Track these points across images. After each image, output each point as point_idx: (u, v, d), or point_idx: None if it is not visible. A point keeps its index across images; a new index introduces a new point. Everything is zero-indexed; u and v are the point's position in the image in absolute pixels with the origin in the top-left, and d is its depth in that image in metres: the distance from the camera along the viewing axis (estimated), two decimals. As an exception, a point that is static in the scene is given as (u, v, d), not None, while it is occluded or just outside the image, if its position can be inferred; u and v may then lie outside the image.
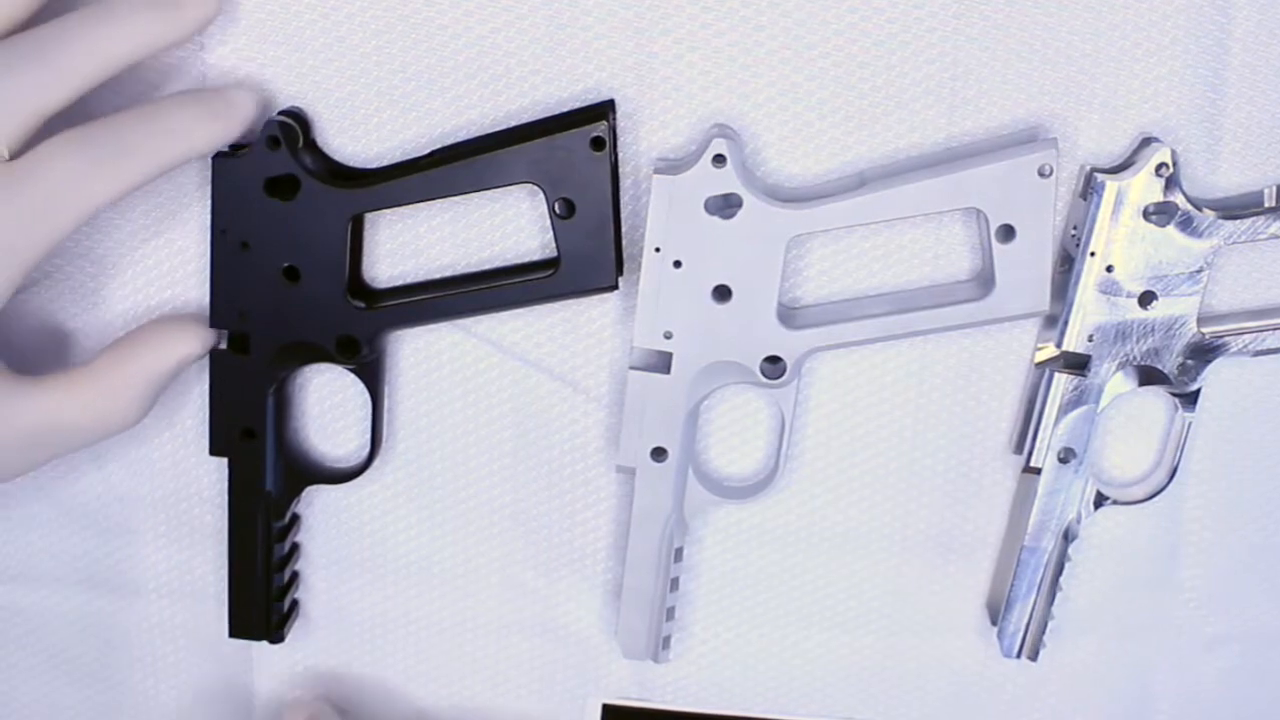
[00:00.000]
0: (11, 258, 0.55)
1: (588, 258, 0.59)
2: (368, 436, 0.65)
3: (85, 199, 0.55)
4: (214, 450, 0.65)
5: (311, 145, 0.62)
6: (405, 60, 0.60)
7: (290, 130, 0.60)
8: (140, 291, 0.65)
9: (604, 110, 0.58)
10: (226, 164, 0.60)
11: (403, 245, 0.63)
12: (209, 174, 0.60)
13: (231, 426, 0.64)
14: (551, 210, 0.59)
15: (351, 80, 0.61)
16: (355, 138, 0.62)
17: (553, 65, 0.60)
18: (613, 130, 0.58)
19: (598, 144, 0.58)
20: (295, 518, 0.68)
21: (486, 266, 0.63)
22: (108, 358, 0.61)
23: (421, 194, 0.59)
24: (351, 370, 0.63)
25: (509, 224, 0.63)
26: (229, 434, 0.64)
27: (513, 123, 0.60)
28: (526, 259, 0.63)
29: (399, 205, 0.60)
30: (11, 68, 0.54)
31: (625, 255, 0.61)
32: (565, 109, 0.60)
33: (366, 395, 0.64)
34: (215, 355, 0.63)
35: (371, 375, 0.64)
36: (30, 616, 0.72)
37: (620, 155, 0.60)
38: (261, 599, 0.67)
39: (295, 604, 0.70)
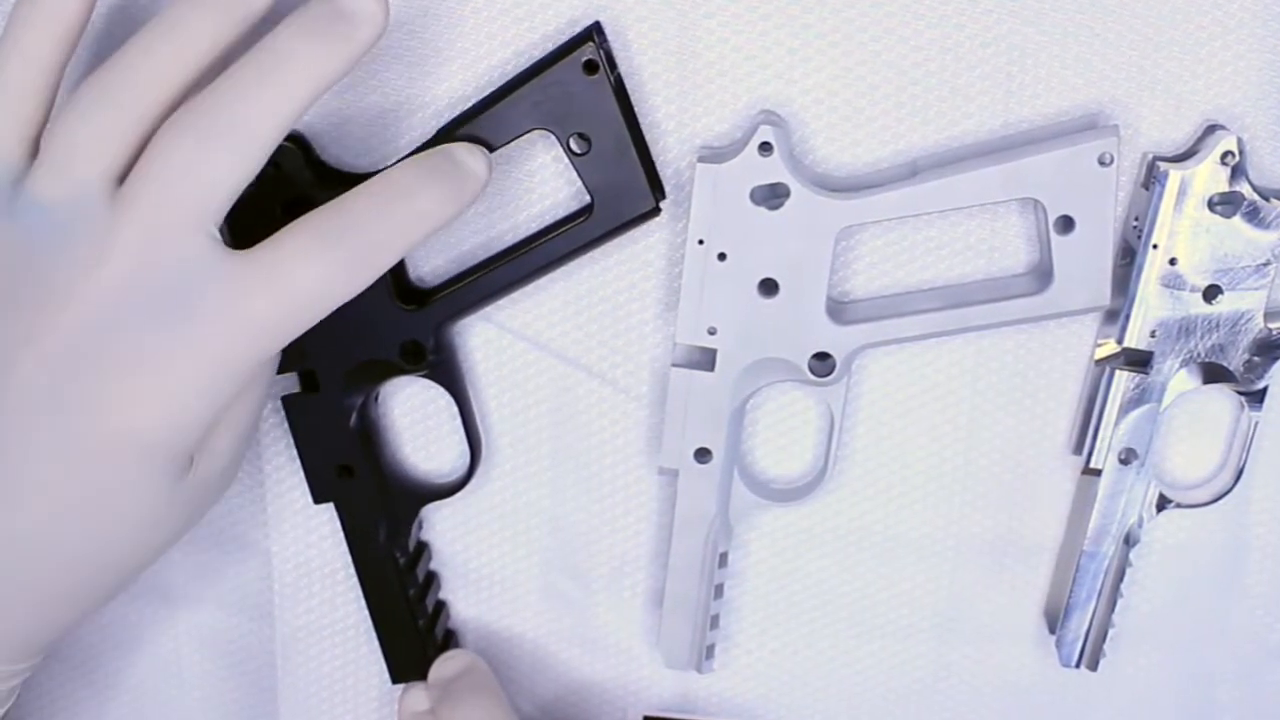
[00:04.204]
0: (251, 355, 0.52)
1: (619, 188, 0.58)
2: (464, 442, 0.65)
3: (329, 300, 0.52)
4: (317, 498, 0.65)
5: (317, 163, 0.61)
6: (433, 60, 0.60)
7: (289, 153, 0.59)
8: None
9: (589, 33, 0.57)
10: (237, 204, 0.59)
11: (440, 238, 0.63)
12: None
13: (326, 469, 0.64)
14: (568, 150, 0.58)
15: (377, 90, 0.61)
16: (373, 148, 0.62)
17: (592, 51, 0.59)
18: (604, 52, 0.57)
19: (590, 68, 0.57)
20: (422, 545, 0.68)
21: (527, 234, 0.62)
22: None
23: None
24: (426, 376, 0.63)
25: (534, 179, 0.62)
26: (326, 477, 0.64)
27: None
28: (564, 213, 0.62)
29: None
30: (205, 144, 0.50)
31: (662, 179, 0.60)
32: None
33: (450, 400, 0.64)
34: (288, 401, 0.63)
35: (448, 377, 0.63)
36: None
37: (622, 75, 0.59)
38: (412, 636, 0.67)
39: (451, 635, 0.70)
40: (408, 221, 0.52)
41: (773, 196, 0.59)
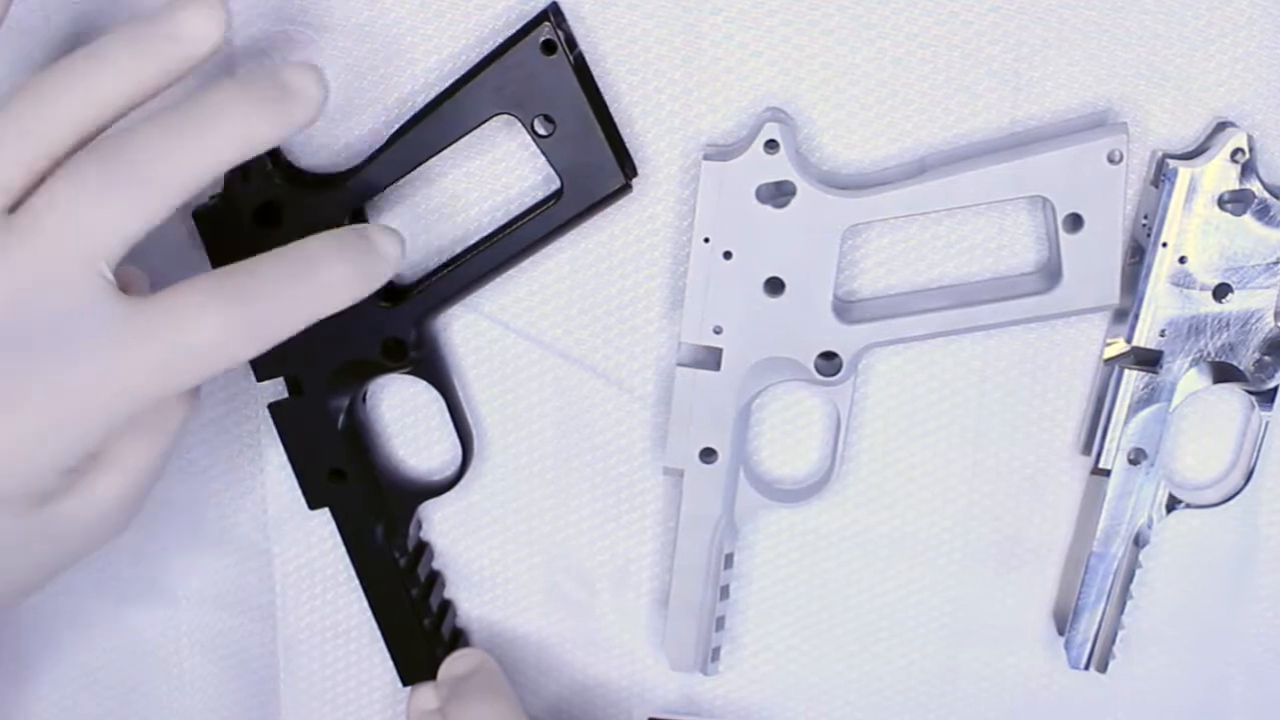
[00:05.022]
0: (124, 403, 0.50)
1: (587, 167, 0.58)
2: (454, 438, 0.65)
3: (222, 359, 0.50)
4: (312, 504, 0.65)
5: (285, 166, 0.61)
6: (395, 53, 0.60)
7: (256, 160, 0.58)
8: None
9: (545, 14, 0.57)
10: (207, 213, 0.59)
11: (415, 232, 0.63)
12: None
13: (318, 474, 0.64)
14: (533, 133, 0.58)
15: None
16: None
17: (595, 47, 0.59)
18: (562, 32, 0.57)
19: (548, 48, 0.56)
20: (423, 545, 0.68)
21: (500, 222, 0.62)
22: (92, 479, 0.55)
23: (404, 166, 0.59)
24: (411, 373, 0.63)
25: (503, 166, 0.62)
26: (318, 482, 0.64)
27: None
28: (537, 198, 0.62)
29: (387, 186, 0.59)
30: (110, 185, 0.49)
31: (635, 158, 0.60)
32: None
33: (439, 397, 0.64)
34: (274, 407, 0.63)
35: (433, 373, 0.63)
36: (52, 626, 0.72)
37: (584, 53, 0.59)
38: (418, 636, 0.67)
39: (459, 634, 0.70)
40: (312, 294, 0.51)
41: (779, 194, 0.59)
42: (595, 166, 0.58)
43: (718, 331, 0.60)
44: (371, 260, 0.53)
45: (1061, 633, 0.66)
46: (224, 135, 0.50)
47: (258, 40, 0.60)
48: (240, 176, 0.59)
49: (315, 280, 0.51)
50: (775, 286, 0.60)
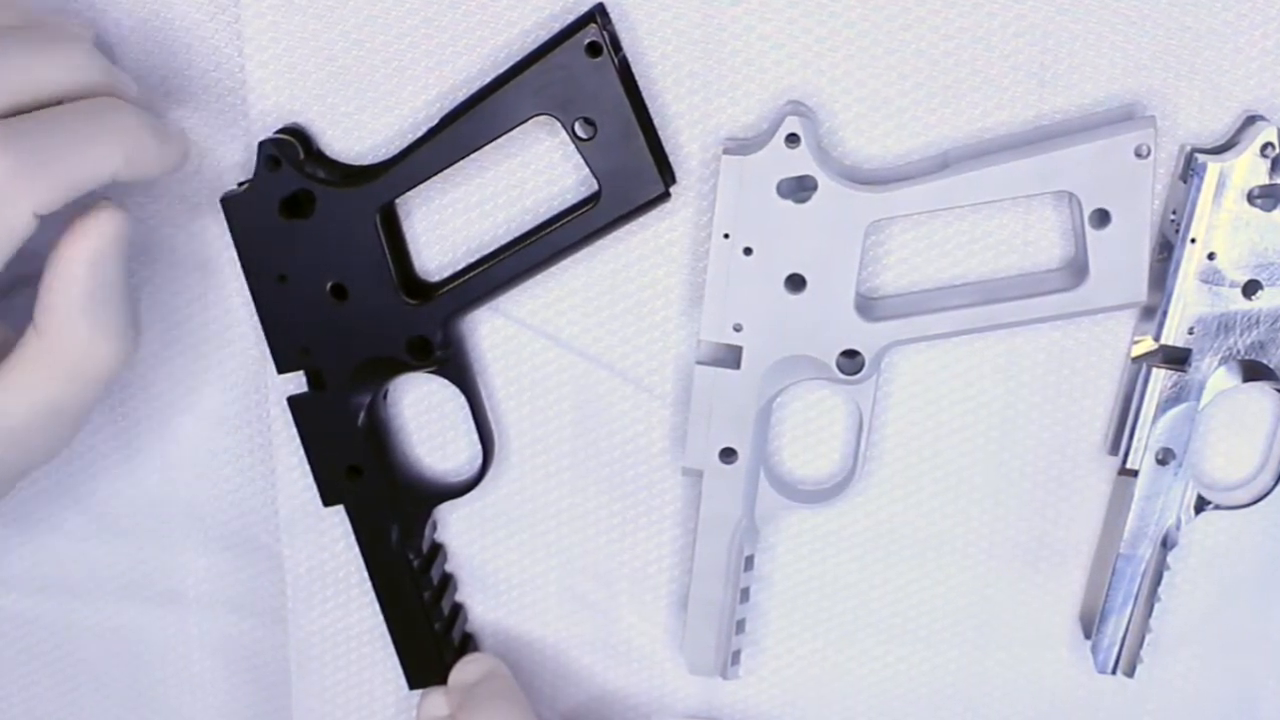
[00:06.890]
0: None
1: (627, 173, 0.58)
2: (475, 440, 0.65)
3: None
4: (327, 500, 0.65)
5: (317, 156, 0.61)
6: (434, 45, 0.60)
7: (287, 146, 0.59)
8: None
9: (591, 15, 0.57)
10: (236, 200, 0.60)
11: (446, 230, 0.63)
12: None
13: (335, 469, 0.64)
14: (573, 135, 0.58)
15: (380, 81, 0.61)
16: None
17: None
18: (608, 34, 0.57)
19: (593, 50, 0.56)
20: (437, 547, 0.68)
21: (533, 223, 0.62)
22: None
23: (439, 162, 0.59)
24: (435, 373, 0.63)
25: (540, 166, 0.62)
26: (334, 478, 0.64)
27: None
28: (571, 201, 0.62)
29: (421, 182, 0.60)
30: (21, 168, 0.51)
31: (686, 171, 0.60)
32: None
33: (461, 397, 0.64)
34: (294, 401, 0.63)
35: (458, 374, 0.63)
36: (58, 629, 0.72)
37: (628, 58, 0.59)
38: (428, 640, 0.67)
39: (469, 638, 0.70)
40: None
41: (800, 189, 0.59)
42: (635, 172, 0.58)
43: (738, 329, 0.61)
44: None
45: (1088, 636, 0.66)
46: (110, 148, 0.53)
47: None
48: (270, 164, 0.59)
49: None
50: (796, 283, 0.60)
